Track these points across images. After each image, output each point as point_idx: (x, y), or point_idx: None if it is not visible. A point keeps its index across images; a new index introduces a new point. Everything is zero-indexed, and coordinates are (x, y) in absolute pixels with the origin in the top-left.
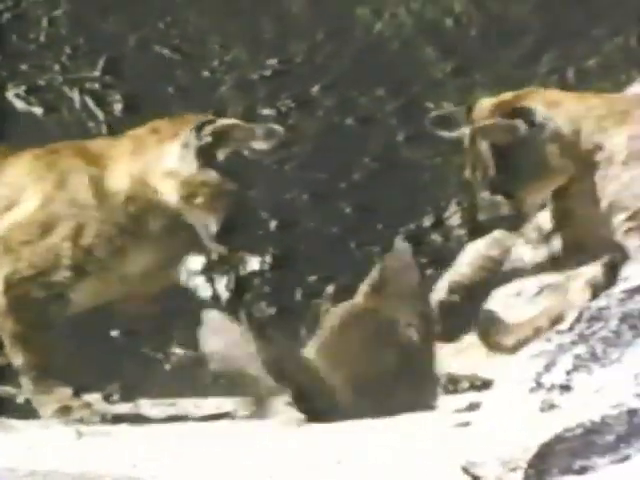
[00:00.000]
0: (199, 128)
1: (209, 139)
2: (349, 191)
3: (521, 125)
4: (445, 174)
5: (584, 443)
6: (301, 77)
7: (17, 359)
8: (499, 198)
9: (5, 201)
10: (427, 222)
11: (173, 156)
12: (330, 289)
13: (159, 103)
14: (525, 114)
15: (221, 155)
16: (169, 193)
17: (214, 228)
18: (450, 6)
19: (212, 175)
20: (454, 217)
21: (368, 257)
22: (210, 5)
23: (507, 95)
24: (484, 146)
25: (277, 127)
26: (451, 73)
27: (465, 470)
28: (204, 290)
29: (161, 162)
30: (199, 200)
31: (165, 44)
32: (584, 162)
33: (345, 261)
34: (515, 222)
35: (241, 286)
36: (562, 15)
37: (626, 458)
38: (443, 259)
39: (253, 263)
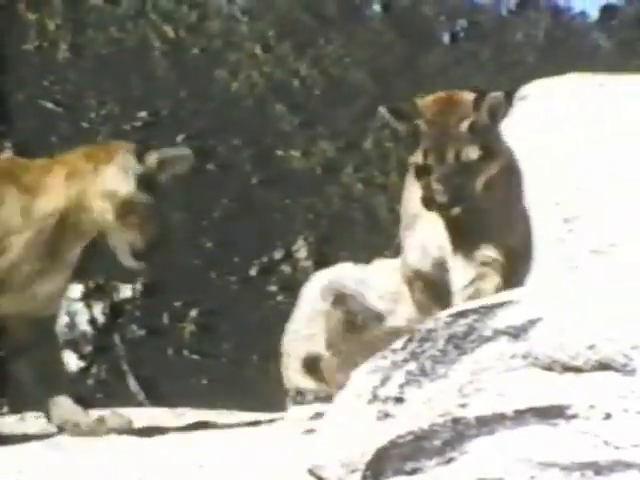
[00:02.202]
0: (139, 154)
1: (154, 166)
2: (210, 228)
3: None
4: (294, 213)
5: (415, 448)
6: (167, 128)
7: None
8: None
9: None
10: (278, 255)
11: (110, 178)
12: (194, 313)
13: (44, 149)
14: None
15: (161, 180)
16: (105, 212)
17: (140, 246)
18: (296, 69)
19: (147, 197)
20: (301, 250)
21: (226, 285)
22: (87, 66)
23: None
24: (464, 127)
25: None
26: (298, 126)
27: (311, 472)
28: (82, 315)
29: (98, 184)
30: (133, 219)
31: (49, 99)
32: None
33: (207, 289)
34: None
35: (115, 311)
36: (393, 79)
37: (451, 460)
38: (292, 287)
39: (126, 290)
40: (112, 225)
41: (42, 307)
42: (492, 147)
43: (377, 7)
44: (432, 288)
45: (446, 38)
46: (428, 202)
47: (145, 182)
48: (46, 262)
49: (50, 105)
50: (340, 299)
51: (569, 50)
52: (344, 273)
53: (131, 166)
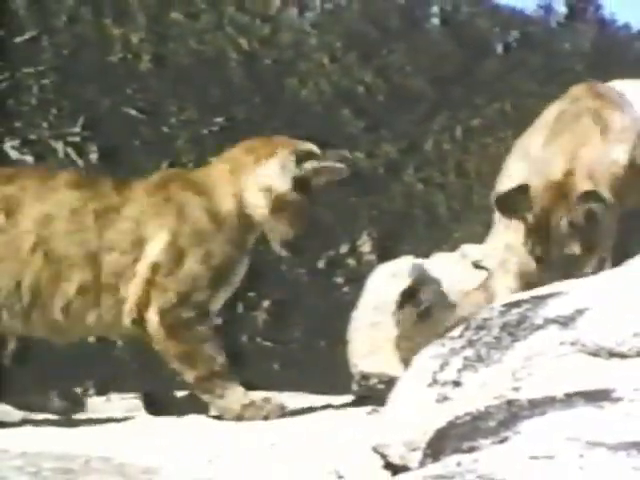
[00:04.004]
0: (300, 158)
1: (310, 172)
2: None
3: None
4: (358, 210)
5: (471, 428)
6: (242, 132)
7: (189, 375)
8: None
9: (131, 235)
10: (344, 249)
11: (270, 174)
12: (266, 303)
13: (127, 153)
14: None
15: (313, 184)
16: (261, 207)
17: (289, 238)
18: (361, 78)
19: (301, 197)
20: (365, 245)
21: (296, 277)
22: (168, 75)
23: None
24: (563, 224)
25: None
26: (363, 130)
27: (375, 450)
28: None
29: (258, 179)
30: (286, 215)
31: (132, 106)
32: None
33: (278, 280)
34: None
35: None
36: (451, 86)
37: (505, 440)
38: (356, 279)
39: None
40: (266, 218)
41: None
42: (593, 241)
43: (436, 20)
44: None
45: (500, 48)
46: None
47: (299, 182)
48: (236, 252)
49: (133, 112)
50: (414, 290)
51: (614, 59)
52: (406, 266)
53: (290, 167)
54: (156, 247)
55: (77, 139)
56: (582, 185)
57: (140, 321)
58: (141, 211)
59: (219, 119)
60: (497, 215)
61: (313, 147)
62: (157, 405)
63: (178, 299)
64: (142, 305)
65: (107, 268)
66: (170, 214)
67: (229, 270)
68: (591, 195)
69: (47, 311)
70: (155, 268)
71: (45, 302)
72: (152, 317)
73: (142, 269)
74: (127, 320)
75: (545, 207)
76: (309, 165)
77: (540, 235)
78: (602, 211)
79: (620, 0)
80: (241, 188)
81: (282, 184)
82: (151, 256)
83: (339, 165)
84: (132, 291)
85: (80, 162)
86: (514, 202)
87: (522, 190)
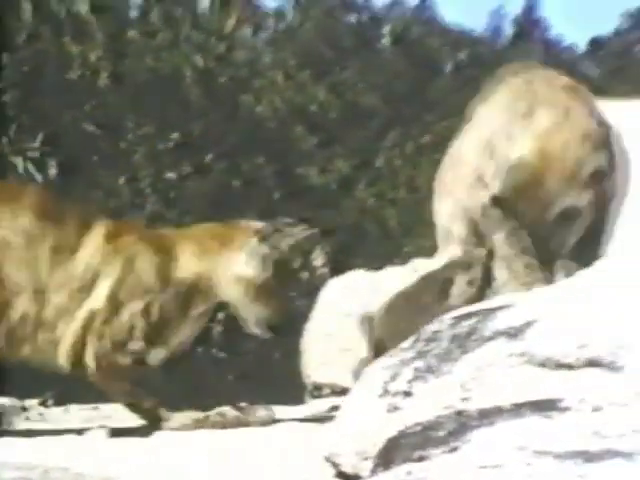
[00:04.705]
0: (265, 237)
1: (283, 249)
2: None
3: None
4: (312, 225)
5: (422, 438)
6: (198, 148)
7: (137, 410)
8: None
9: (80, 281)
10: (297, 263)
11: (239, 265)
12: (221, 315)
13: (86, 167)
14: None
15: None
16: (235, 293)
17: (275, 320)
18: (315, 95)
19: (270, 275)
20: (318, 259)
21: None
22: (125, 91)
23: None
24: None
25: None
26: (316, 146)
27: (327, 459)
28: None
29: (228, 268)
30: (260, 296)
31: (90, 122)
32: None
33: None
34: None
35: None
36: (402, 103)
37: (455, 449)
38: (310, 292)
39: None
40: (240, 302)
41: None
42: None
43: (388, 40)
44: None
45: (449, 67)
46: None
47: (277, 265)
48: (177, 317)
49: (91, 127)
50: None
51: None
52: (358, 279)
53: (260, 251)
54: (99, 294)
55: (37, 154)
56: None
57: (78, 364)
58: (93, 257)
59: (176, 135)
60: (440, 230)
61: (274, 225)
62: None
63: (113, 346)
64: (78, 349)
65: (51, 306)
66: (119, 264)
67: (167, 329)
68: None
69: None
70: (94, 314)
71: None
72: (89, 361)
73: (82, 314)
74: (65, 362)
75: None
76: (284, 242)
77: None
78: None
79: (567, 21)
80: (208, 271)
81: (254, 271)
82: (92, 302)
83: (308, 232)
84: (69, 335)
85: (39, 177)
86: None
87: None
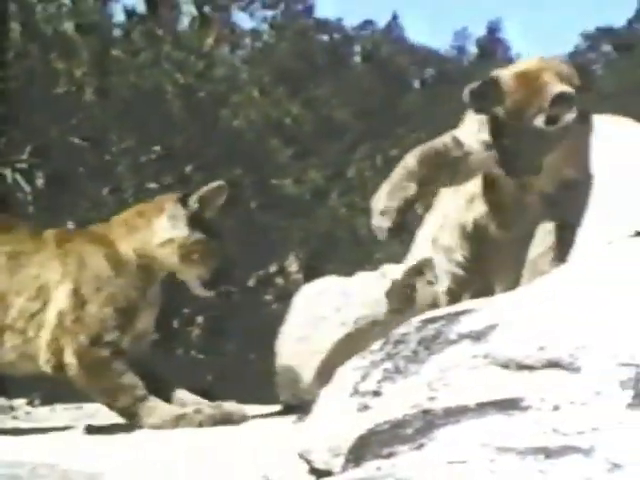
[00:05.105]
0: (183, 200)
1: (196, 206)
2: None
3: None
4: (286, 233)
5: (390, 435)
6: (178, 160)
7: (114, 408)
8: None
9: (38, 281)
10: (273, 269)
11: (164, 228)
12: (200, 319)
13: (72, 178)
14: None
15: (207, 216)
16: (169, 257)
17: (206, 277)
18: (289, 109)
19: (201, 235)
20: (293, 265)
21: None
22: (110, 106)
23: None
24: (538, 122)
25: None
26: (291, 158)
27: (301, 456)
28: None
29: (154, 236)
30: (195, 257)
31: (76, 135)
32: None
33: (211, 298)
34: None
35: None
36: (373, 118)
37: (421, 446)
38: (284, 297)
39: None
40: (178, 266)
41: (141, 343)
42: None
43: (359, 58)
44: None
45: (417, 83)
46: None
47: (195, 222)
48: (139, 299)
49: (77, 141)
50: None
51: None
52: (330, 285)
53: (179, 213)
54: (61, 295)
55: (25, 166)
56: (554, 86)
57: (59, 367)
58: (48, 259)
59: (157, 148)
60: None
61: (190, 192)
62: None
63: (90, 340)
64: (57, 352)
65: (14, 310)
66: (72, 264)
67: (133, 312)
68: (565, 98)
69: None
70: (62, 315)
71: None
72: (70, 360)
73: (50, 317)
74: (46, 367)
75: (518, 100)
76: (192, 199)
77: (507, 145)
78: (572, 123)
79: (527, 42)
80: (141, 245)
81: (178, 232)
82: (57, 304)
83: (216, 184)
84: (44, 339)
85: (27, 187)
86: (484, 96)
87: (492, 82)
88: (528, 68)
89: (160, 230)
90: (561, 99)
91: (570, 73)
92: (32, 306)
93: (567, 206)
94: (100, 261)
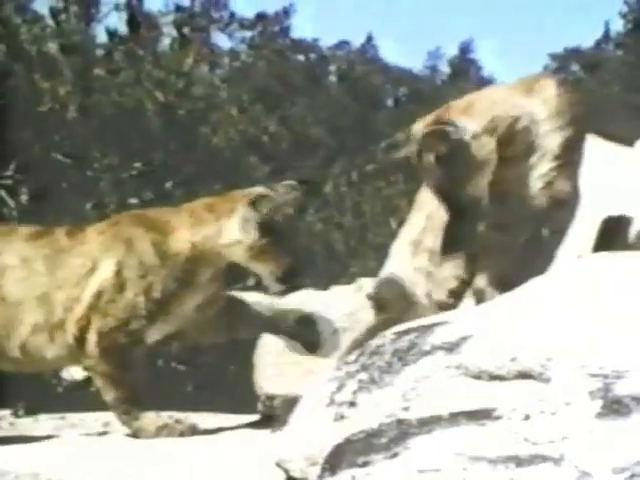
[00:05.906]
0: (254, 203)
1: (267, 214)
2: None
3: (449, 128)
4: None
5: (365, 444)
6: (158, 176)
7: (109, 395)
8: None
9: (81, 269)
10: (251, 282)
11: (232, 230)
12: None
13: (55, 194)
14: (449, 124)
15: (276, 221)
16: (235, 256)
17: (279, 274)
18: (267, 127)
19: (269, 239)
20: None
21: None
22: (92, 123)
23: (429, 116)
24: (430, 158)
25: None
26: (268, 174)
27: (278, 465)
28: None
29: (222, 236)
30: (264, 257)
31: (59, 151)
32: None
33: None
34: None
35: None
36: (348, 135)
37: (396, 455)
38: None
39: None
40: (247, 263)
41: (195, 320)
42: (462, 176)
43: (334, 77)
44: None
45: (391, 102)
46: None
47: (263, 227)
48: (181, 288)
49: (60, 157)
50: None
51: None
52: (306, 298)
53: (250, 216)
54: (102, 276)
55: (9, 182)
56: (455, 115)
57: (81, 340)
58: (91, 248)
59: (138, 164)
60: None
61: (263, 190)
62: None
63: (116, 324)
64: (83, 327)
65: (58, 305)
66: (119, 247)
67: (169, 304)
68: (444, 122)
69: (6, 349)
70: (99, 295)
71: (2, 343)
72: (91, 337)
73: (87, 296)
74: (70, 338)
75: (419, 143)
76: (264, 208)
77: (420, 173)
78: (463, 139)
79: (498, 62)
80: (203, 241)
81: (248, 236)
82: (97, 284)
83: (290, 196)
84: (75, 313)
85: (12, 202)
86: (398, 147)
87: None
88: (437, 112)
89: (228, 231)
90: (428, 137)
91: (484, 106)
92: (74, 294)
93: (557, 221)
94: (147, 248)
